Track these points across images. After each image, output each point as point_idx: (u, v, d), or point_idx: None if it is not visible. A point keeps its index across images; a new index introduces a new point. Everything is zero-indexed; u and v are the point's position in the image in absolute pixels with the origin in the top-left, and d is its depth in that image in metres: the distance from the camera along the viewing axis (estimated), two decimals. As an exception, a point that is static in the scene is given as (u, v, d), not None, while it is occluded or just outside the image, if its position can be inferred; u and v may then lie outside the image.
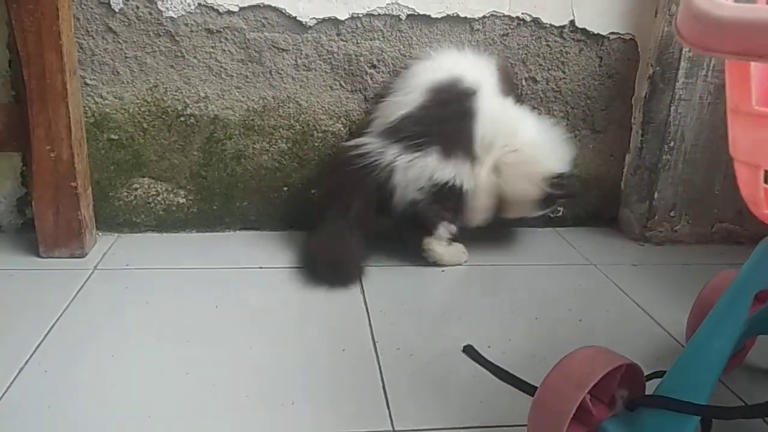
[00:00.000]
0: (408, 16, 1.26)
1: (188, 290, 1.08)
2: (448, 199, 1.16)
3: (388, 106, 1.21)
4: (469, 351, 0.90)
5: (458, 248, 1.24)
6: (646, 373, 0.68)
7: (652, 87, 1.35)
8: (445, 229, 1.19)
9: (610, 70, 1.37)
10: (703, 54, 0.46)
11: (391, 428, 0.75)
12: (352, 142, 1.20)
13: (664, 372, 0.66)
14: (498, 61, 1.26)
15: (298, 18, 1.23)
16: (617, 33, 1.34)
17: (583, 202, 1.46)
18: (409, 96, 1.17)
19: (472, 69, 1.19)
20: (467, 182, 1.16)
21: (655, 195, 1.36)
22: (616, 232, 1.47)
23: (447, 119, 1.14)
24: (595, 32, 1.33)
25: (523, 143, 1.20)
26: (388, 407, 0.79)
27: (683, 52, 1.26)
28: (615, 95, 1.40)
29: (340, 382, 0.84)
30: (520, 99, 1.28)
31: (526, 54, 1.33)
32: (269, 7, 1.22)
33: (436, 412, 0.79)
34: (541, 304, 1.09)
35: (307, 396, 0.81)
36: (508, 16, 1.29)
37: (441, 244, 1.20)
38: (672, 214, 1.38)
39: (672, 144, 1.33)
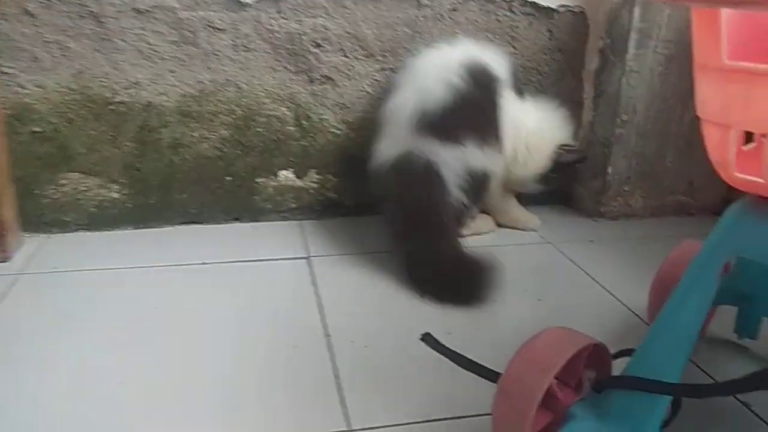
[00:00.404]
0: (351, -9, 1.20)
1: (124, 292, 1.00)
2: (479, 187, 1.13)
3: (411, 93, 1.11)
4: (428, 339, 0.86)
5: (485, 219, 1.29)
6: (612, 352, 0.65)
7: (603, 60, 1.32)
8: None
9: (560, 43, 1.34)
10: (671, 3, 0.42)
11: (347, 428, 0.70)
12: (399, 151, 1.10)
13: (632, 350, 0.63)
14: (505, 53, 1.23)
15: (233, -5, 1.15)
16: (567, 5, 1.31)
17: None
18: (425, 87, 1.09)
19: (493, 57, 1.16)
20: (496, 169, 1.15)
21: (609, 170, 1.35)
22: (570, 209, 1.45)
23: (479, 112, 1.11)
24: (545, 5, 1.30)
25: (533, 127, 1.21)
26: (344, 405, 0.74)
27: (633, 24, 1.24)
28: (566, 69, 1.37)
29: (292, 382, 0.78)
30: (521, 88, 1.25)
31: (475, 29, 1.29)
32: (201, -17, 1.14)
33: (396, 407, 0.74)
34: (500, 286, 1.05)
35: (257, 398, 0.75)
36: (455, -10, 1.24)
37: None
38: (626, 188, 1.37)
39: (624, 117, 1.31)
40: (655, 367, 0.55)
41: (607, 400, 0.58)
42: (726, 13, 0.45)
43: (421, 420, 0.72)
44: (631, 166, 1.35)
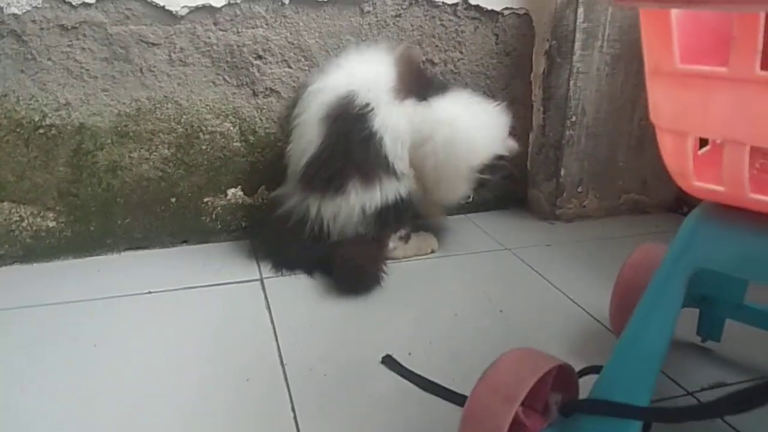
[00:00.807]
0: (292, 0, 1.16)
1: (64, 329, 0.93)
2: (388, 215, 1.09)
3: (294, 142, 1.13)
4: (389, 362, 0.82)
5: (422, 238, 1.20)
6: (577, 369, 0.63)
7: (550, 62, 1.32)
8: (396, 237, 1.15)
9: (507, 47, 1.33)
10: (620, 6, 0.39)
11: (306, 466, 0.66)
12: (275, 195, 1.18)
13: (597, 368, 0.61)
14: (399, 52, 1.15)
15: (167, 7, 1.10)
16: (511, 8, 1.29)
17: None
18: (308, 132, 1.09)
19: (365, 78, 1.08)
20: (402, 193, 1.10)
21: (562, 172, 1.34)
22: (526, 213, 1.44)
23: (352, 150, 1.05)
24: (489, 8, 1.28)
25: (445, 138, 1.10)
26: (302, 439, 0.70)
27: (578, 24, 1.23)
28: (514, 73, 1.36)
29: (246, 419, 0.73)
30: (431, 86, 1.15)
31: (421, 35, 1.26)
32: (132, -4, 1.08)
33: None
34: (460, 299, 1.03)
35: (207, 429, 0.70)
36: (399, -4, 1.21)
37: (399, 244, 1.16)
38: (579, 189, 1.37)
39: (574, 119, 1.30)
40: (623, 389, 0.53)
41: (577, 425, 0.55)
42: (676, 15, 0.42)
43: (384, 451, 0.68)
44: (584, 167, 1.35)
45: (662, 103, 0.46)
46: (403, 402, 0.76)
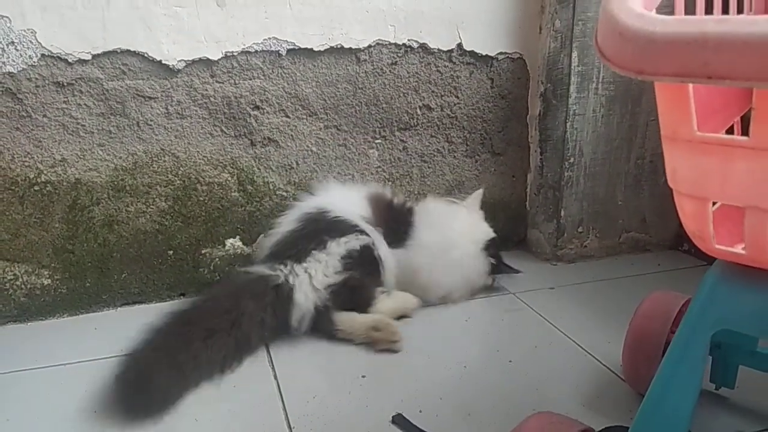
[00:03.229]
0: (288, 51, 1.16)
1: (63, 394, 0.90)
2: (365, 264, 1.09)
3: (267, 238, 1.16)
4: (399, 421, 0.80)
5: (403, 298, 1.14)
6: (597, 429, 0.61)
7: (546, 104, 1.32)
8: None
9: (502, 90, 1.34)
10: (635, 77, 0.39)
11: None
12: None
13: (618, 428, 0.59)
14: (370, 191, 1.20)
15: (163, 62, 1.10)
16: (505, 53, 1.31)
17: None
18: (282, 226, 1.13)
19: (342, 202, 1.14)
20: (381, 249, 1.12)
21: (562, 212, 1.34)
22: (527, 254, 1.43)
23: (321, 228, 1.09)
24: (484, 53, 1.29)
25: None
26: None
27: (572, 67, 1.24)
28: (510, 116, 1.36)
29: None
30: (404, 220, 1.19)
31: (417, 82, 1.27)
32: (128, 51, 1.07)
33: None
34: (467, 348, 1.01)
35: None
36: (395, 44, 1.22)
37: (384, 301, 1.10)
38: (580, 229, 1.36)
39: (572, 160, 1.30)
40: (651, 455, 0.51)
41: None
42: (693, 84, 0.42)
43: None
44: (583, 207, 1.34)
45: (680, 168, 0.45)
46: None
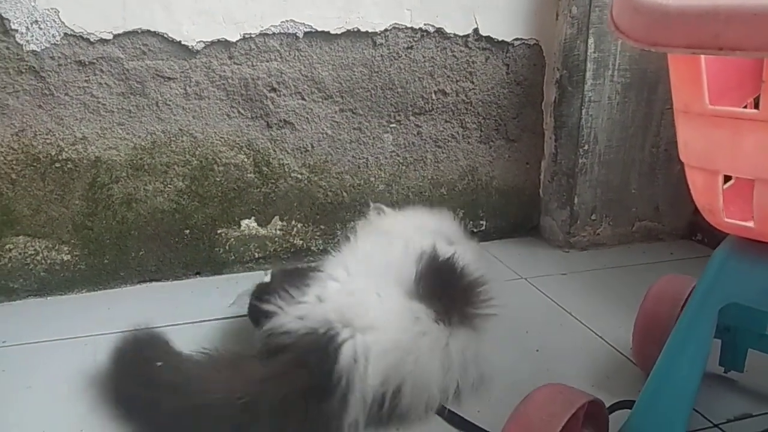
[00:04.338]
0: (306, 33, 1.17)
1: (80, 365, 0.92)
2: None
3: None
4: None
5: None
6: (605, 404, 0.62)
7: (561, 91, 1.32)
8: None
9: (517, 77, 1.34)
10: (648, 49, 0.40)
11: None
12: None
13: (626, 402, 0.60)
14: None
15: (183, 42, 1.11)
16: (521, 39, 1.31)
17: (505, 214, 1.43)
18: None
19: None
20: None
21: (575, 200, 1.34)
22: (539, 241, 1.43)
23: None
24: (500, 39, 1.29)
25: None
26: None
27: (588, 54, 1.24)
28: (525, 102, 1.37)
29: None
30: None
31: (433, 66, 1.27)
32: (148, 32, 1.09)
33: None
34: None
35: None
36: (411, 28, 1.23)
37: None
38: (593, 217, 1.36)
39: (586, 147, 1.31)
40: (655, 424, 0.52)
41: (609, 463, 0.54)
42: (705, 57, 0.43)
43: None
44: (597, 195, 1.35)
45: (692, 141, 0.46)
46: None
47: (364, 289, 0.80)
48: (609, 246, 1.38)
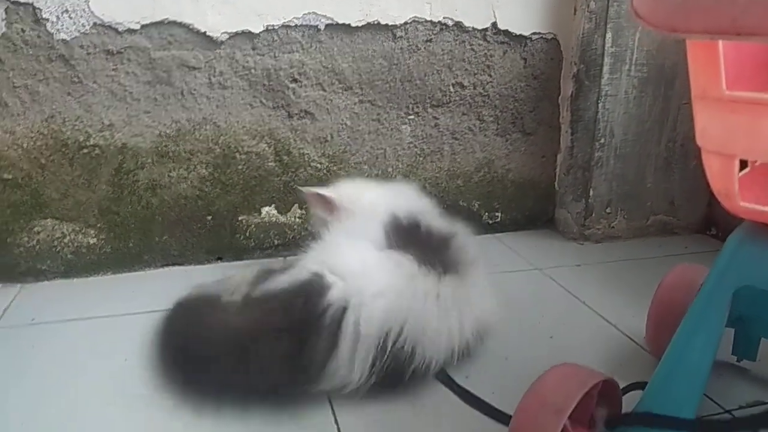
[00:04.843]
0: (327, 26, 1.19)
1: (107, 342, 0.95)
2: None
3: None
4: (441, 376, 0.82)
5: None
6: (621, 386, 0.64)
7: (578, 85, 1.34)
8: None
9: (535, 70, 1.36)
10: (666, 35, 0.41)
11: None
12: None
13: (640, 384, 0.62)
14: None
15: (207, 33, 1.14)
16: (539, 33, 1.32)
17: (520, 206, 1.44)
18: None
19: None
20: None
21: (590, 193, 1.35)
22: (554, 233, 1.45)
23: None
24: (518, 33, 1.31)
25: None
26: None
27: (606, 48, 1.25)
28: (542, 96, 1.38)
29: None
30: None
31: (451, 59, 1.29)
32: (175, 23, 1.12)
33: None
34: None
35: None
36: (430, 21, 1.25)
37: None
38: (608, 210, 1.38)
39: (602, 140, 1.32)
40: (668, 404, 0.54)
41: (622, 438, 0.56)
42: (723, 43, 0.44)
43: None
44: (612, 188, 1.36)
45: (709, 127, 0.48)
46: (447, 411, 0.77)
47: (344, 244, 0.82)
48: (623, 239, 1.40)
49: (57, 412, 0.79)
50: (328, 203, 1.02)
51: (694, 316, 0.55)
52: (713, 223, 1.40)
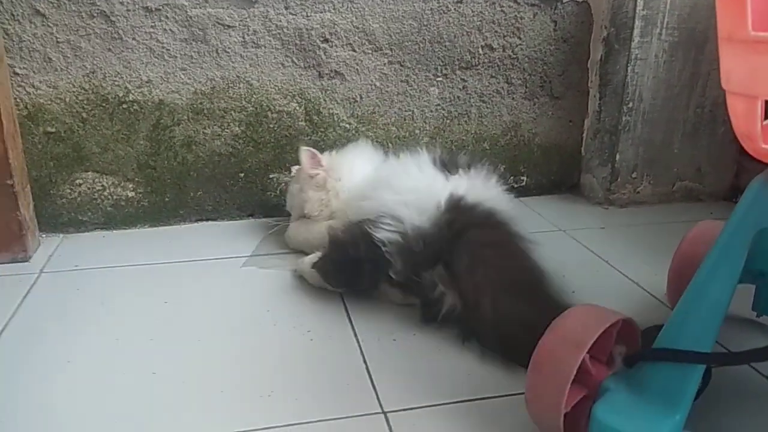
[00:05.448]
0: (358, -15, 1.21)
1: (144, 287, 1.00)
2: None
3: None
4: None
5: None
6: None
7: (608, 49, 1.34)
8: None
9: (565, 34, 1.36)
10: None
11: (380, 410, 0.71)
12: None
13: (659, 327, 0.64)
14: None
15: (242, -8, 1.16)
16: (570, -5, 1.32)
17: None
18: None
19: None
20: None
21: (617, 157, 1.36)
22: (579, 198, 1.46)
23: None
24: (549, -5, 1.31)
25: None
26: (375, 390, 0.75)
27: (637, 11, 1.25)
28: (571, 60, 1.38)
29: (320, 369, 0.79)
30: None
31: (481, 21, 1.30)
32: (211, -19, 1.14)
33: (426, 390, 0.75)
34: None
35: (285, 385, 0.76)
36: (461, -18, 1.26)
37: None
38: (634, 175, 1.38)
39: (630, 105, 1.32)
40: (687, 338, 0.56)
41: (640, 374, 0.59)
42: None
43: (451, 401, 0.73)
44: (639, 153, 1.36)
45: (734, 68, 0.49)
46: (465, 361, 0.81)
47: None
48: (649, 204, 1.40)
49: (103, 347, 0.84)
50: (318, 163, 1.12)
51: (715, 256, 0.57)
52: (740, 191, 1.40)
